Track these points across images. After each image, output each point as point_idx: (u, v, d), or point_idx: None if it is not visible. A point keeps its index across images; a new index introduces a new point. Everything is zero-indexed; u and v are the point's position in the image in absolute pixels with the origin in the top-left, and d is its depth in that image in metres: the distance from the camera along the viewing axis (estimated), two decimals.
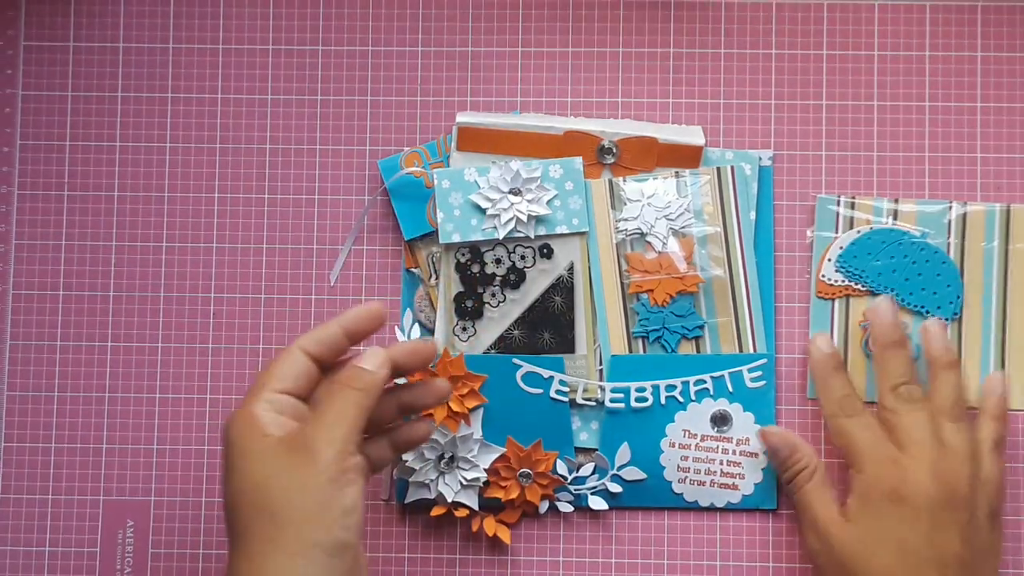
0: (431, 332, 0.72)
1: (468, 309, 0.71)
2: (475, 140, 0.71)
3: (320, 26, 0.75)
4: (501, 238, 0.71)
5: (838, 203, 0.72)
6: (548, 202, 0.70)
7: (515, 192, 0.70)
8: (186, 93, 0.75)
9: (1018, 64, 0.73)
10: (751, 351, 0.71)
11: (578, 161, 0.71)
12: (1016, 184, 0.72)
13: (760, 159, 0.72)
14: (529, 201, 0.70)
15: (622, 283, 0.71)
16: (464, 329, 0.71)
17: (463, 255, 0.71)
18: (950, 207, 0.72)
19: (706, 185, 0.71)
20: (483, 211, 0.71)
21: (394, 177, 0.72)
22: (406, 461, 0.71)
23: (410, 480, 0.71)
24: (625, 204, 0.71)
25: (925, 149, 0.73)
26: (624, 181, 0.71)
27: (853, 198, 0.72)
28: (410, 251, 0.73)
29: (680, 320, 0.70)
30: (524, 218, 0.70)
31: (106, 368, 0.74)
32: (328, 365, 0.59)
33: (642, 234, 0.71)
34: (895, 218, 0.72)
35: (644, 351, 0.71)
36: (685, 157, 0.71)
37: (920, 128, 0.73)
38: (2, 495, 0.74)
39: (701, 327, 0.70)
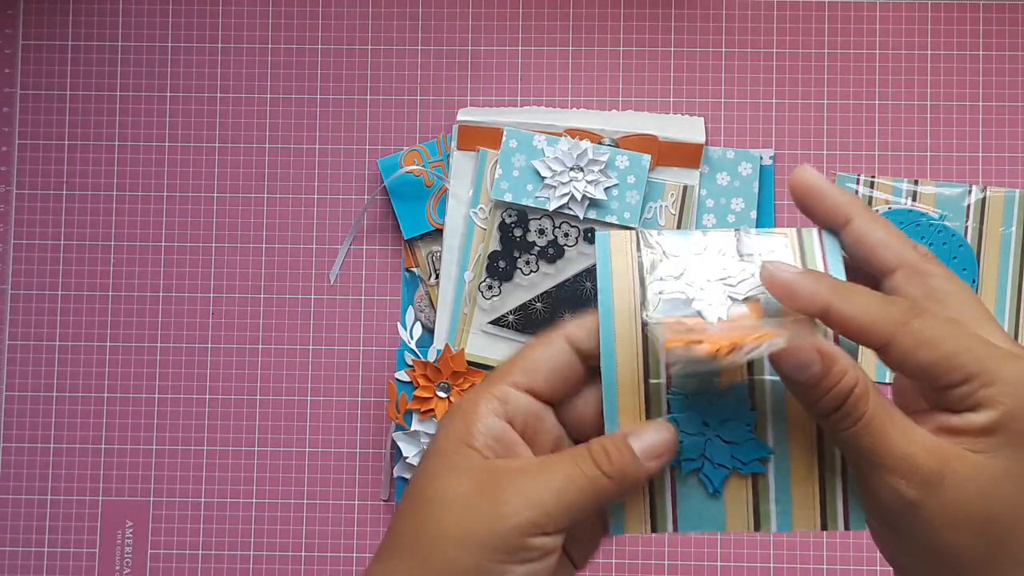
0: (431, 332, 0.72)
1: (500, 269, 0.71)
2: (476, 138, 0.71)
3: (319, 25, 0.75)
4: (551, 210, 0.70)
5: (858, 181, 0.72)
6: (607, 189, 0.70)
7: (577, 169, 0.70)
8: (185, 92, 0.75)
9: (1020, 63, 0.73)
10: (838, 524, 0.42)
11: (647, 158, 0.70)
12: (1017, 183, 0.72)
13: (761, 158, 0.72)
14: (589, 182, 0.70)
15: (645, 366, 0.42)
16: (490, 287, 0.71)
17: (510, 216, 0.71)
18: (969, 191, 0.72)
19: (783, 248, 0.43)
20: (541, 179, 0.70)
21: (393, 176, 0.72)
22: (407, 458, 0.70)
23: (410, 479, 0.71)
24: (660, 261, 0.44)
25: (927, 148, 0.73)
26: (659, 233, 0.44)
27: (873, 176, 0.72)
28: (410, 250, 0.73)
29: (730, 447, 0.41)
30: (579, 197, 0.70)
31: (105, 368, 0.74)
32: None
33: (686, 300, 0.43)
34: (914, 199, 0.71)
35: (673, 485, 0.42)
36: (686, 155, 0.71)
37: (922, 127, 0.73)
38: (1, 495, 0.74)
39: (763, 460, 0.41)
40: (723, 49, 0.74)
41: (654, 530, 0.40)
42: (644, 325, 0.39)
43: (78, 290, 0.74)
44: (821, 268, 0.41)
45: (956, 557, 0.38)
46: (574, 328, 0.41)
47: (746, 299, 0.40)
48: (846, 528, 0.41)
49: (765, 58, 0.74)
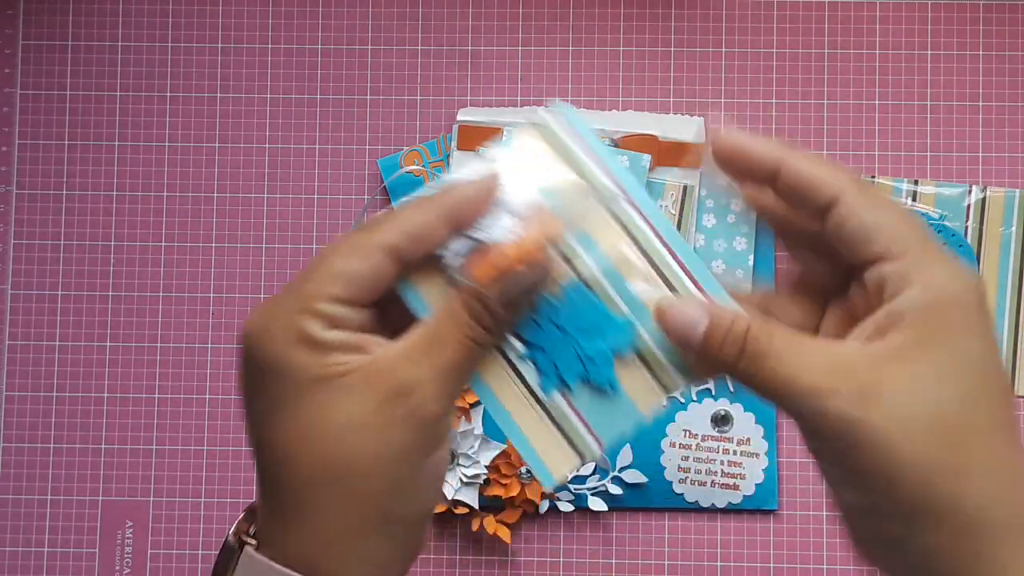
0: None
1: None
2: (476, 138, 0.71)
3: (319, 25, 0.75)
4: None
5: None
6: None
7: None
8: (185, 92, 0.75)
9: (1020, 63, 0.73)
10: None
11: (647, 158, 0.70)
12: (1018, 183, 0.72)
13: None
14: None
15: None
16: None
17: None
18: (969, 191, 0.72)
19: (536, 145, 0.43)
20: None
21: (394, 176, 0.72)
22: None
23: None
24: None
25: (927, 148, 0.73)
26: None
27: (873, 176, 0.72)
28: None
29: (597, 339, 0.40)
30: None
31: (105, 368, 0.74)
32: (410, 266, 0.39)
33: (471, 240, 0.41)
34: (914, 199, 0.71)
35: (572, 408, 0.41)
36: (686, 155, 0.71)
37: (922, 127, 0.73)
38: (1, 495, 0.74)
39: (631, 331, 0.40)
40: (723, 49, 0.74)
41: (582, 459, 0.40)
42: (451, 277, 0.39)
43: (78, 290, 0.74)
44: (584, 157, 0.40)
45: (925, 475, 0.34)
46: (387, 233, 0.38)
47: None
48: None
49: (765, 58, 0.74)
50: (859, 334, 0.37)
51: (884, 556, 0.38)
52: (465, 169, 0.40)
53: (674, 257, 0.40)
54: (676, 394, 0.41)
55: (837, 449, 0.36)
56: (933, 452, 0.35)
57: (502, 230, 0.39)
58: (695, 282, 0.40)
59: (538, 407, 0.40)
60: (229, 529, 0.40)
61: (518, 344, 0.40)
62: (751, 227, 0.72)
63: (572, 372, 0.40)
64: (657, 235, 0.40)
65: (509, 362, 0.40)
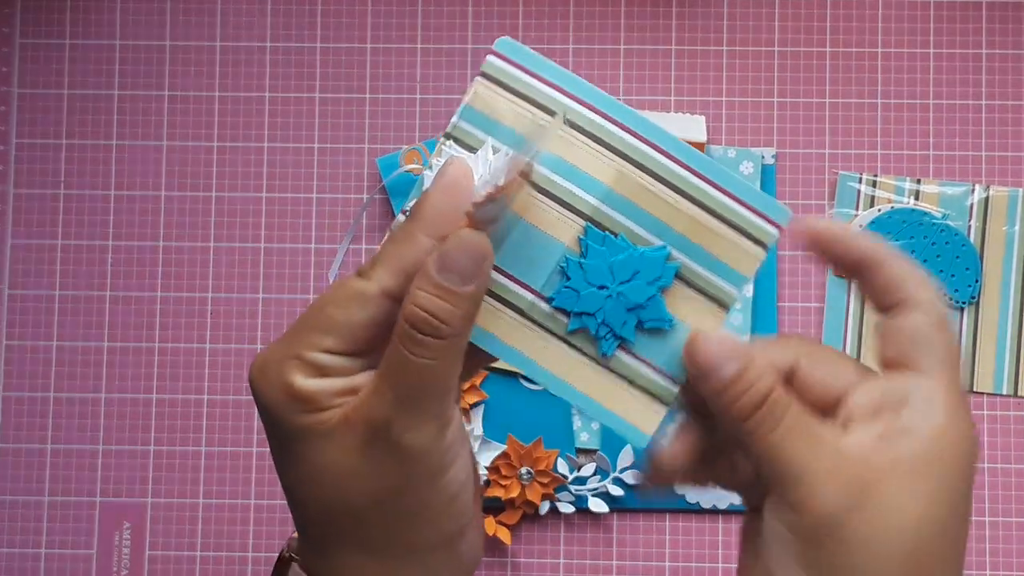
0: None
1: None
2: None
3: (318, 23, 0.75)
4: None
5: (860, 180, 0.72)
6: None
7: None
8: (183, 91, 0.75)
9: (1023, 61, 0.73)
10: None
11: None
12: (1021, 182, 0.72)
13: (763, 157, 0.72)
14: None
15: None
16: None
17: None
18: (972, 190, 0.71)
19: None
20: None
21: (393, 175, 0.72)
22: None
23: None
24: None
25: (930, 147, 0.72)
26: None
27: (875, 176, 0.72)
28: None
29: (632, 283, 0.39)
30: None
31: (102, 368, 0.74)
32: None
33: None
34: (917, 198, 0.71)
35: (632, 355, 0.39)
36: None
37: (924, 126, 0.73)
38: None
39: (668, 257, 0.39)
40: (724, 47, 0.73)
41: (665, 404, 0.38)
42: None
43: (75, 290, 0.74)
44: (541, 87, 0.38)
45: None
46: (388, 279, 0.37)
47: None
48: (778, 228, 0.39)
49: (767, 56, 0.73)
50: (867, 430, 0.37)
51: None
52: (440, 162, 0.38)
53: (675, 161, 0.38)
54: (735, 307, 0.39)
55: (805, 530, 0.36)
56: (905, 566, 0.35)
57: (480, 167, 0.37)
58: (711, 183, 0.38)
59: (605, 371, 0.38)
60: (284, 544, 0.41)
61: (562, 318, 0.38)
62: None
63: (627, 326, 0.38)
64: (647, 143, 0.38)
65: (560, 339, 0.38)
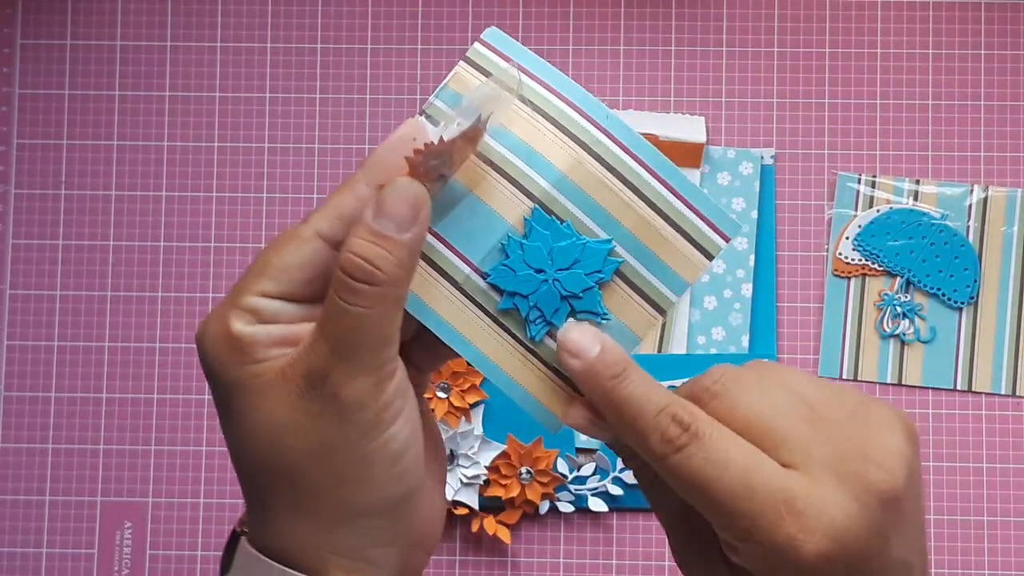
0: None
1: None
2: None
3: (319, 23, 0.75)
4: None
5: (859, 181, 0.72)
6: None
7: None
8: (184, 91, 0.75)
9: (1022, 62, 0.73)
10: (716, 243, 0.38)
11: None
12: (1020, 183, 0.72)
13: (762, 157, 0.72)
14: None
15: None
16: None
17: None
18: (971, 190, 0.71)
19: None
20: None
21: None
22: None
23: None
24: None
25: (928, 147, 0.72)
26: None
27: (874, 176, 0.72)
28: None
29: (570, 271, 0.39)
30: None
31: (103, 368, 0.74)
32: None
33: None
34: (915, 198, 0.71)
35: None
36: (686, 155, 0.71)
37: (923, 126, 0.73)
38: (0, 496, 0.74)
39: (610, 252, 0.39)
40: (724, 48, 0.73)
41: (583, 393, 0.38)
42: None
43: (76, 290, 0.74)
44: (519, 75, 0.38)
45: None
46: (322, 222, 0.37)
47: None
48: (725, 239, 0.38)
49: (766, 57, 0.73)
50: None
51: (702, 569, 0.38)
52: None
53: (635, 159, 0.38)
54: (670, 312, 0.39)
55: (743, 520, 0.34)
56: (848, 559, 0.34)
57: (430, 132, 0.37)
58: (668, 186, 0.37)
59: (530, 355, 0.38)
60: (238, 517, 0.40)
61: (495, 295, 0.38)
62: (752, 227, 0.71)
63: (558, 314, 0.38)
64: (611, 138, 0.37)
65: (490, 316, 0.38)
